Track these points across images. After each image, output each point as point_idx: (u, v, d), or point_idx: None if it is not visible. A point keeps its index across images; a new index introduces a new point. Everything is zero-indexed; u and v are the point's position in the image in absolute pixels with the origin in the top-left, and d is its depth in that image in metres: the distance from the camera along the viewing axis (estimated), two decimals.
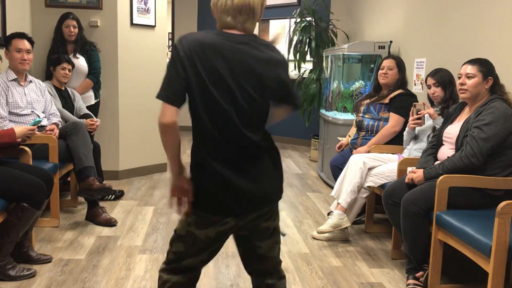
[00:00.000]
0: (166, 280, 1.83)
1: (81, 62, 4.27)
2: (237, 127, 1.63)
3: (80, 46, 4.30)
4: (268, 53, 1.66)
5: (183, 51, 1.60)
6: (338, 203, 3.36)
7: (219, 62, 1.60)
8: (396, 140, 3.59)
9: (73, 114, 3.98)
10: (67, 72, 3.97)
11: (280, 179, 1.79)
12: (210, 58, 1.59)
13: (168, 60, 1.62)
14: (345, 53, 4.84)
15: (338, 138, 4.42)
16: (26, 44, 3.37)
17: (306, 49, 6.24)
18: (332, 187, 3.70)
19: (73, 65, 4.04)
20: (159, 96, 1.60)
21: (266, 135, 1.73)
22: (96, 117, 4.22)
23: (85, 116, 4.02)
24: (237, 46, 1.62)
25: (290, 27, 6.89)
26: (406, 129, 3.36)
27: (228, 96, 1.61)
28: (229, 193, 1.66)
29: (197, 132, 1.70)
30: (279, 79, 1.67)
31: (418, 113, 3.19)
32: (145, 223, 3.64)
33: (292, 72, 7.38)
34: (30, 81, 3.56)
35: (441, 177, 2.51)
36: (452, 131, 2.75)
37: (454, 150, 2.70)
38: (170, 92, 1.59)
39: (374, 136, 3.67)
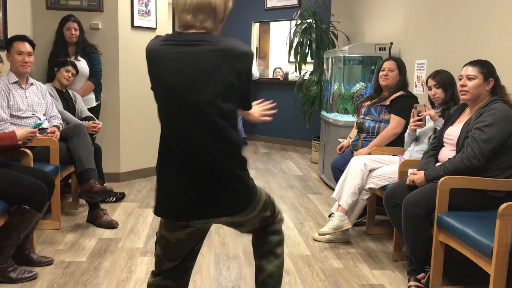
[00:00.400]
0: (149, 283, 1.88)
1: (82, 64, 4.28)
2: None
3: (82, 48, 4.31)
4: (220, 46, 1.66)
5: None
6: (339, 205, 3.35)
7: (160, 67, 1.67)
8: (397, 142, 3.59)
9: (74, 116, 3.99)
10: (70, 75, 3.99)
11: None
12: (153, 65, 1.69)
13: None
14: (345, 54, 4.84)
15: (339, 139, 4.42)
16: (27, 47, 3.37)
17: (306, 51, 6.24)
18: (333, 189, 3.70)
19: (77, 71, 4.07)
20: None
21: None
22: (97, 119, 4.23)
23: (87, 118, 4.02)
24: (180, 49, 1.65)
25: (290, 29, 6.89)
26: (407, 130, 3.36)
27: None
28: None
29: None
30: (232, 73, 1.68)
31: (419, 114, 3.19)
32: (146, 225, 3.64)
33: (293, 74, 7.41)
34: (31, 84, 3.57)
35: (442, 179, 2.51)
36: (453, 132, 2.75)
37: (455, 152, 2.70)
38: None
39: (375, 138, 3.67)
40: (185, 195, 1.68)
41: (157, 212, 1.76)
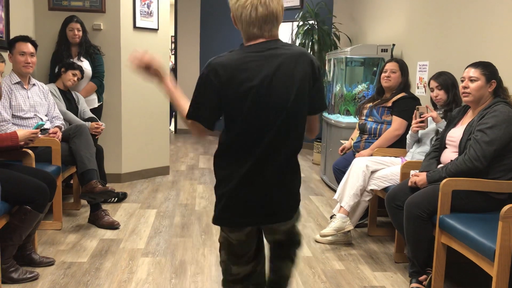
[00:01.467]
0: None
1: (85, 65, 4.29)
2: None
3: (85, 49, 4.32)
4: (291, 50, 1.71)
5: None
6: (341, 207, 3.35)
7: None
8: (399, 143, 3.58)
9: (76, 116, 4.00)
10: (76, 79, 4.03)
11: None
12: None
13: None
14: (347, 56, 4.84)
15: (341, 141, 4.41)
16: (29, 47, 3.38)
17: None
18: (335, 190, 3.69)
19: (82, 76, 4.09)
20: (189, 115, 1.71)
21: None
22: (99, 120, 4.23)
23: (90, 119, 4.03)
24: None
25: (292, 30, 6.89)
26: (409, 132, 3.36)
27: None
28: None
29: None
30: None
31: (421, 116, 3.19)
32: (148, 226, 3.64)
33: None
34: (34, 84, 3.57)
35: (444, 181, 2.51)
36: (455, 134, 2.75)
37: (457, 154, 2.69)
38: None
39: (377, 139, 3.67)
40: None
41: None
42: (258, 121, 1.66)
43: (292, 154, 1.75)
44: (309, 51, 6.23)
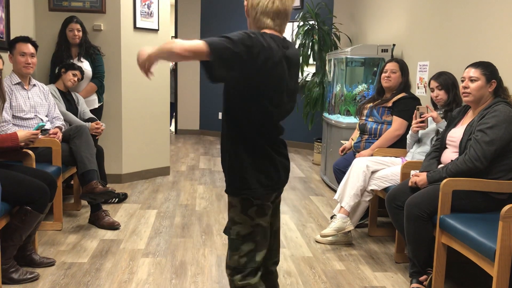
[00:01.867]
0: (245, 285, 1.85)
1: (85, 66, 4.29)
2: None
3: (85, 50, 4.32)
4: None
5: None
6: (341, 207, 3.35)
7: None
8: (399, 144, 3.58)
9: (76, 117, 4.00)
10: (76, 79, 4.03)
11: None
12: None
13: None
14: (348, 56, 4.84)
15: (341, 141, 4.41)
16: (30, 48, 3.38)
17: (309, 52, 6.24)
18: (335, 191, 3.69)
19: (82, 76, 4.09)
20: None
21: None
22: (100, 120, 4.23)
23: (90, 120, 4.03)
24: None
25: (293, 30, 6.89)
26: (410, 132, 3.36)
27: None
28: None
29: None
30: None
31: (421, 116, 3.19)
32: (148, 226, 3.64)
33: None
34: (34, 85, 3.57)
35: (444, 181, 2.51)
36: (456, 134, 2.75)
37: (457, 154, 2.69)
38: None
39: (377, 139, 3.67)
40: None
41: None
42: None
43: None
44: (309, 51, 6.24)
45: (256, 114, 1.74)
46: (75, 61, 4.23)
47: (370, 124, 3.76)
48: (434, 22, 3.98)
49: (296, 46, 6.29)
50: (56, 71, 4.09)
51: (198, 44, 1.58)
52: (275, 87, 1.73)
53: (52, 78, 4.19)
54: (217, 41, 1.60)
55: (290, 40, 6.57)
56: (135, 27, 4.78)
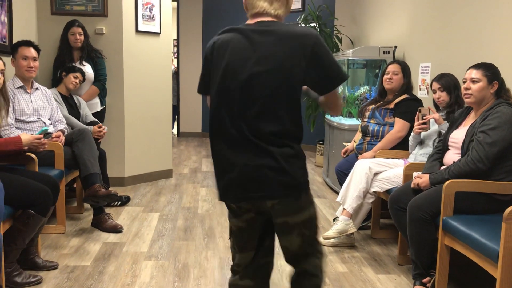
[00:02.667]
0: (229, 283, 1.91)
1: (87, 69, 4.30)
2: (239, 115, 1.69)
3: (86, 53, 4.33)
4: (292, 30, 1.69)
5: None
6: (343, 209, 3.34)
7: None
8: (401, 145, 3.58)
9: (79, 121, 4.00)
10: (77, 82, 4.03)
11: (281, 174, 1.66)
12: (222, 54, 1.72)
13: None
14: (349, 58, 4.84)
15: (344, 143, 4.41)
16: (32, 52, 3.39)
17: None
18: (337, 193, 3.69)
19: (84, 78, 4.10)
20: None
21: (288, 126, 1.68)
22: (102, 124, 4.24)
23: (92, 123, 4.04)
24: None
25: None
26: (412, 134, 3.35)
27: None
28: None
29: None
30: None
31: (424, 118, 3.18)
32: (151, 229, 3.64)
33: None
34: (36, 88, 3.58)
35: (447, 182, 2.50)
36: (458, 136, 2.74)
37: (460, 155, 2.69)
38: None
39: (379, 141, 3.67)
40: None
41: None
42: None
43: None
44: None
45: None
46: (77, 64, 4.24)
47: (372, 126, 3.76)
48: (435, 23, 3.98)
49: None
50: (58, 75, 4.10)
51: None
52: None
53: (54, 81, 4.21)
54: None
55: None
56: (137, 31, 4.79)
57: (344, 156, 3.97)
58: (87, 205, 3.99)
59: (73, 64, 4.15)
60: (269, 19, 1.73)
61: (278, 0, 1.73)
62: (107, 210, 3.76)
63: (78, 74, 4.03)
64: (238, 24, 1.78)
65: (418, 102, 3.65)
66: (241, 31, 1.70)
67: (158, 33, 5.02)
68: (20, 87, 3.43)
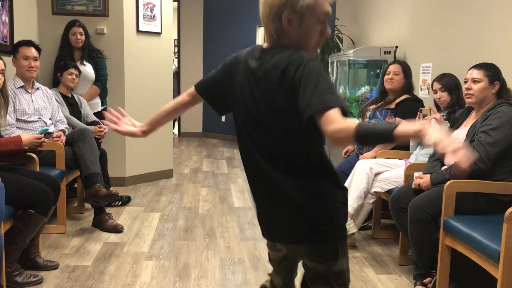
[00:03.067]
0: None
1: (88, 69, 4.30)
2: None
3: (87, 53, 4.33)
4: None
5: None
6: None
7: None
8: (402, 146, 3.57)
9: (80, 121, 4.00)
10: (74, 77, 4.00)
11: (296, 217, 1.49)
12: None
13: None
14: (350, 58, 4.84)
15: None
16: (33, 52, 3.39)
17: None
18: None
19: (79, 71, 4.07)
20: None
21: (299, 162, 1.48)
22: (103, 124, 4.24)
23: (93, 123, 4.04)
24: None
25: None
26: None
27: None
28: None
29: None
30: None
31: (425, 118, 3.18)
32: (152, 229, 3.64)
33: None
34: (37, 88, 3.58)
35: (448, 182, 2.50)
36: (459, 136, 2.74)
37: None
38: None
39: None
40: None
41: None
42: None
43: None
44: None
45: None
46: (78, 64, 4.24)
47: None
48: (436, 23, 3.98)
49: None
50: (53, 77, 4.09)
51: None
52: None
53: (55, 81, 4.21)
54: None
55: None
56: (138, 31, 4.79)
57: (345, 156, 3.97)
58: (88, 205, 3.99)
59: (64, 62, 4.10)
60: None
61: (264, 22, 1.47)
62: (107, 210, 3.76)
63: (72, 70, 3.98)
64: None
65: (419, 102, 3.64)
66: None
67: (159, 33, 5.02)
68: (21, 87, 3.43)
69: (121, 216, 3.94)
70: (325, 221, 1.49)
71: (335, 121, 1.28)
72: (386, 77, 3.73)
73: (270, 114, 1.44)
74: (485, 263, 2.21)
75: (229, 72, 1.58)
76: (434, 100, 3.32)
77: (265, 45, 1.51)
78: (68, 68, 3.98)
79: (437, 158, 2.88)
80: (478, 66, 2.66)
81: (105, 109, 4.57)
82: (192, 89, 1.70)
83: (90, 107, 4.25)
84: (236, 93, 1.54)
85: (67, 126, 3.74)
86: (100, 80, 4.42)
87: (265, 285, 1.84)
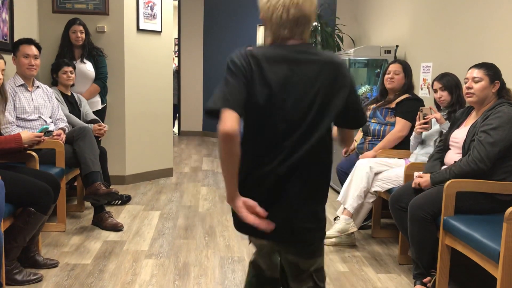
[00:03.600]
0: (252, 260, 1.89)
1: (88, 67, 4.30)
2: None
3: (87, 51, 4.33)
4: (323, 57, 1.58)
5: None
6: (344, 208, 3.34)
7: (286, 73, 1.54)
8: (402, 145, 3.57)
9: (79, 119, 4.00)
10: (69, 74, 3.97)
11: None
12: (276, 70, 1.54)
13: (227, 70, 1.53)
14: (351, 57, 4.84)
15: None
16: (33, 50, 3.39)
17: None
18: (338, 192, 3.69)
19: (74, 67, 4.04)
20: (217, 104, 1.45)
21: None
22: (103, 122, 4.24)
23: (93, 121, 4.03)
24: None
25: None
26: (413, 133, 3.35)
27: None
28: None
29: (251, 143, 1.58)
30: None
31: (425, 117, 3.18)
32: (151, 227, 3.64)
33: None
34: (38, 87, 3.58)
35: (448, 182, 2.50)
36: (459, 135, 2.74)
37: (461, 155, 2.68)
38: (231, 99, 1.47)
39: (380, 141, 3.66)
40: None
41: None
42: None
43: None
44: None
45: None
46: (78, 62, 4.24)
47: (373, 125, 3.75)
48: (437, 23, 3.98)
49: None
50: (51, 78, 4.08)
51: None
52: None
53: (55, 80, 4.20)
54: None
55: None
56: (138, 29, 4.79)
57: (345, 155, 3.97)
58: (87, 204, 3.98)
59: (57, 62, 4.08)
60: (298, 42, 1.60)
61: (299, 26, 1.58)
62: (107, 208, 3.76)
63: (65, 68, 3.95)
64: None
65: (419, 102, 3.64)
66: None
67: (159, 32, 5.02)
68: (21, 85, 3.43)
69: (121, 214, 3.94)
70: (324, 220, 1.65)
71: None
72: (386, 76, 3.73)
73: None
74: (485, 263, 2.21)
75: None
76: (435, 100, 3.31)
77: (293, 41, 1.58)
78: (61, 67, 3.96)
79: (437, 158, 2.88)
80: (478, 66, 2.66)
81: (105, 108, 4.57)
82: (235, 115, 1.46)
83: (90, 106, 4.25)
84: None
85: (67, 125, 3.74)
86: (100, 78, 4.41)
87: (255, 261, 1.88)
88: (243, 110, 1.48)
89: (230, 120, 1.41)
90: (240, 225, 1.58)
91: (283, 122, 1.54)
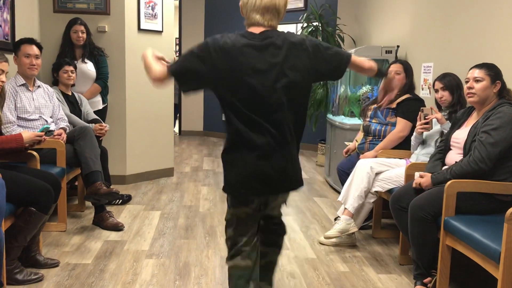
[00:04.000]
0: (231, 266, 2.09)
1: (89, 67, 4.30)
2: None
3: (89, 51, 4.33)
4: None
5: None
6: (345, 208, 3.34)
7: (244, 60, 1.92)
8: (403, 145, 3.57)
9: (80, 119, 4.00)
10: (70, 73, 3.97)
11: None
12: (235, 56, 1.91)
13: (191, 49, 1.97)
14: None
15: (345, 143, 4.40)
16: (34, 50, 3.39)
17: None
18: (339, 192, 3.69)
19: (74, 66, 4.04)
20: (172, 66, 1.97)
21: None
22: (104, 122, 4.24)
23: (94, 121, 4.04)
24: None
25: (296, 32, 6.89)
26: (414, 134, 3.35)
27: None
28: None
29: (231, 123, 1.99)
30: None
31: (426, 117, 3.18)
32: (152, 227, 3.64)
33: None
34: (39, 86, 3.59)
35: (449, 182, 2.50)
36: (460, 136, 2.74)
37: (462, 155, 2.68)
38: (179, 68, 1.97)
39: (381, 141, 3.66)
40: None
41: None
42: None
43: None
44: None
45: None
46: (79, 62, 4.24)
47: (374, 125, 3.75)
48: (438, 23, 3.97)
49: None
50: (52, 78, 4.08)
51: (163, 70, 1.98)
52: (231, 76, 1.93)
53: (56, 80, 4.21)
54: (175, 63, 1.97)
55: None
56: (139, 29, 4.79)
57: (346, 155, 3.97)
58: (88, 203, 3.99)
59: (57, 61, 4.08)
60: (265, 29, 1.97)
61: (269, 13, 1.96)
62: (108, 208, 3.76)
63: (66, 68, 3.95)
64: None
65: (420, 102, 3.64)
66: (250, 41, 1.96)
67: (160, 31, 5.02)
68: (22, 84, 3.43)
69: (122, 214, 3.94)
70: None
71: None
72: None
73: None
74: (485, 263, 2.21)
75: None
76: (435, 100, 3.31)
77: (268, 27, 2.01)
78: (62, 67, 3.96)
79: (438, 158, 2.88)
80: (479, 66, 2.66)
81: (106, 107, 4.57)
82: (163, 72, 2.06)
83: (91, 105, 4.25)
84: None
85: (68, 124, 3.74)
86: (101, 78, 4.42)
87: (233, 239, 2.09)
88: (181, 75, 1.96)
89: (159, 74, 2.00)
90: (236, 187, 2.02)
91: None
